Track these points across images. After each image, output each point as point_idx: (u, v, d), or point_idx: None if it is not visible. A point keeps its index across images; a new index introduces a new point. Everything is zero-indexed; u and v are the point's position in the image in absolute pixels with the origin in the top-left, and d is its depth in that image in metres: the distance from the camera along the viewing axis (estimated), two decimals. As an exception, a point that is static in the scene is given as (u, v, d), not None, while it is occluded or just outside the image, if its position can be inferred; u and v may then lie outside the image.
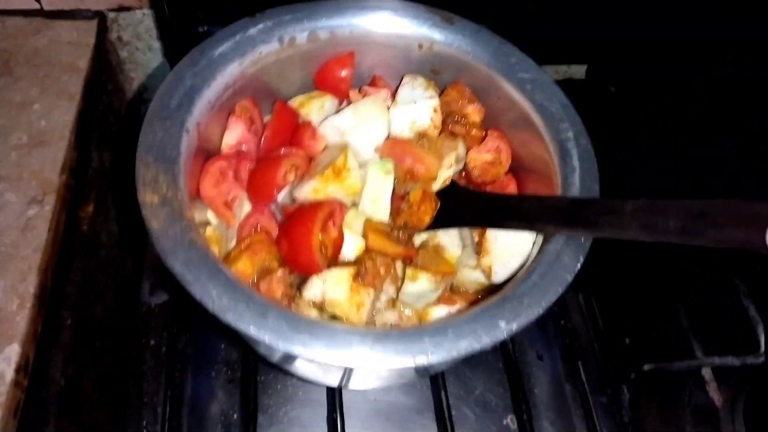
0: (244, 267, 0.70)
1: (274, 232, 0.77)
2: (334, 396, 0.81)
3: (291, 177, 0.79)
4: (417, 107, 0.84)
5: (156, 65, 1.19)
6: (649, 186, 0.98)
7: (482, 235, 0.77)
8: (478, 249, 0.77)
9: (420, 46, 0.84)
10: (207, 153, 0.76)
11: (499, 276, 0.75)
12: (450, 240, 0.79)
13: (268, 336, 0.57)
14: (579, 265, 0.66)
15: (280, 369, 0.88)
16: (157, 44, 1.15)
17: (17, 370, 0.72)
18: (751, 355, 0.87)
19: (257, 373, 0.86)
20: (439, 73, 0.87)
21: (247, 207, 0.78)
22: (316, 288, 0.70)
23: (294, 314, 0.60)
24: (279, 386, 0.88)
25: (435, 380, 0.85)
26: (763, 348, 0.87)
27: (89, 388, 0.91)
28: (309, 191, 0.77)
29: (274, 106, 0.85)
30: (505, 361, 0.90)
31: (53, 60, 1.00)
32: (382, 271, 0.72)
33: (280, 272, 0.71)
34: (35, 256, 0.80)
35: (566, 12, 1.03)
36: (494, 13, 0.85)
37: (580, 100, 0.82)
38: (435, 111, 0.84)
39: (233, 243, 0.76)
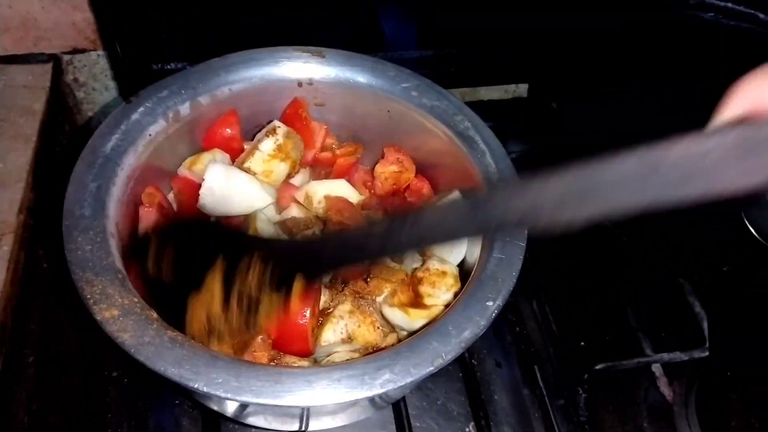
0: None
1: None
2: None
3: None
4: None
5: (114, 104, 1.22)
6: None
7: None
8: (420, 251, 0.82)
9: (300, 84, 0.88)
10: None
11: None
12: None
13: (291, 402, 0.58)
14: (525, 231, 0.71)
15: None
16: (113, 84, 1.17)
17: (-22, 409, 0.73)
18: (697, 349, 0.91)
19: (220, 400, 0.88)
20: (323, 104, 0.91)
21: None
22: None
23: (306, 372, 0.61)
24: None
25: (396, 404, 0.87)
26: (708, 342, 0.91)
27: (54, 423, 0.91)
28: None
29: (172, 183, 0.86)
30: (464, 370, 0.93)
31: (9, 104, 1.01)
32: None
33: (259, 341, 0.72)
34: (-5, 297, 0.81)
35: (506, 36, 1.08)
36: (444, 39, 0.90)
37: (525, 116, 0.86)
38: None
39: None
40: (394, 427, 0.87)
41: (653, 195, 0.42)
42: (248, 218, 0.82)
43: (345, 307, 0.77)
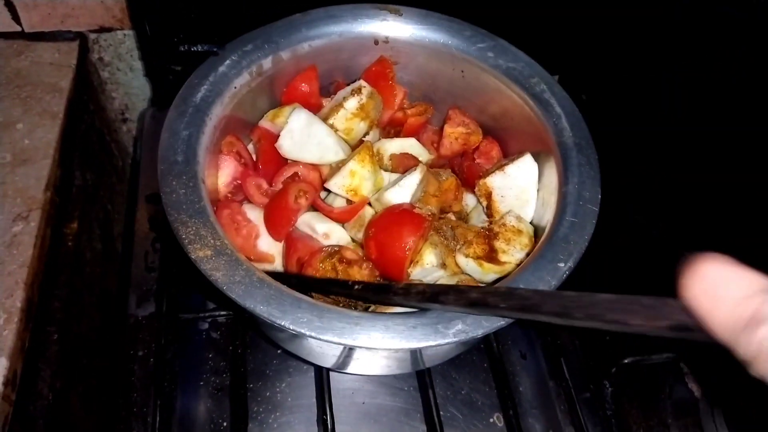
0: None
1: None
2: (324, 400, 0.82)
3: (302, 201, 0.81)
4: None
5: (137, 85, 1.21)
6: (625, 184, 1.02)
7: (489, 199, 0.83)
8: (488, 212, 0.84)
9: (376, 42, 0.89)
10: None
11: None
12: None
13: (369, 344, 0.60)
14: (599, 196, 0.72)
15: (269, 376, 0.89)
16: (137, 64, 1.17)
17: (5, 384, 0.72)
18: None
19: (246, 381, 0.87)
20: (397, 62, 0.91)
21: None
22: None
23: (384, 317, 0.63)
24: (268, 393, 0.89)
25: (423, 381, 0.86)
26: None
27: (77, 402, 0.91)
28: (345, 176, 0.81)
29: (252, 134, 0.87)
30: (490, 360, 0.92)
31: (36, 81, 1.01)
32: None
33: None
34: (21, 272, 0.81)
35: (537, 27, 1.07)
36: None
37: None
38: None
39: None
40: (420, 415, 0.87)
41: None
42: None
43: (435, 239, 0.79)
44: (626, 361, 0.88)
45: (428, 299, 0.62)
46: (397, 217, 0.77)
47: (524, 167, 0.82)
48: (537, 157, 0.82)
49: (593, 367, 0.92)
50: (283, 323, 0.59)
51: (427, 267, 0.76)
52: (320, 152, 0.83)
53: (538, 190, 0.82)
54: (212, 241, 0.64)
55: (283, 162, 0.85)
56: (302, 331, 0.59)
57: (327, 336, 0.59)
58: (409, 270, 0.76)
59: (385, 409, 0.89)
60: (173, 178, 0.68)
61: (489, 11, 0.95)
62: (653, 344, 0.92)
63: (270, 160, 0.84)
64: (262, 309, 0.60)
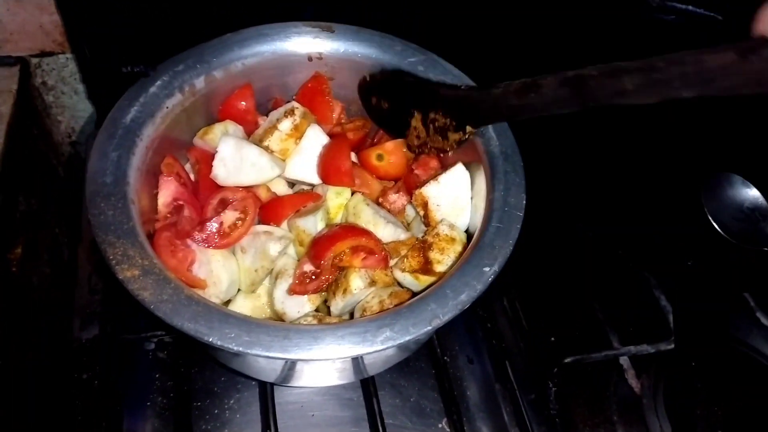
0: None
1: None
2: (269, 415, 0.83)
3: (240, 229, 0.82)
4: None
5: (83, 108, 1.21)
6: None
7: (426, 208, 0.85)
8: (426, 221, 0.85)
9: (310, 59, 0.90)
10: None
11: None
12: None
13: (297, 356, 0.61)
14: (524, 202, 0.75)
15: (217, 394, 0.89)
16: (82, 87, 1.17)
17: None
18: (663, 341, 0.93)
19: (192, 400, 0.87)
20: (333, 78, 0.93)
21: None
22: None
23: (314, 329, 0.64)
24: (216, 411, 0.88)
25: (367, 390, 0.87)
26: (673, 335, 0.93)
27: (27, 429, 0.90)
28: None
29: (189, 154, 0.87)
30: (436, 367, 0.93)
31: (-25, 107, 1.00)
32: None
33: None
34: (-40, 300, 0.80)
35: (469, 39, 1.10)
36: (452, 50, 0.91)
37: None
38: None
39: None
40: (368, 424, 0.87)
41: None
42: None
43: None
44: (567, 360, 0.90)
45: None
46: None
47: (457, 176, 0.84)
48: (469, 167, 0.84)
49: (537, 369, 0.94)
50: (210, 339, 0.60)
51: (356, 292, 0.77)
52: (256, 173, 0.84)
53: (471, 198, 0.84)
54: (140, 260, 0.65)
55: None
56: (230, 346, 0.60)
57: (255, 350, 0.60)
58: (337, 299, 0.78)
59: (335, 420, 0.90)
60: (101, 200, 0.69)
61: (421, 26, 0.98)
62: (594, 342, 0.94)
63: (209, 184, 0.85)
64: (189, 326, 0.61)
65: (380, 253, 0.79)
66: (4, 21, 1.02)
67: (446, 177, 0.84)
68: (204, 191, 0.85)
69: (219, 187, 0.85)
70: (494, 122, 0.81)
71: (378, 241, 0.80)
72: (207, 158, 0.85)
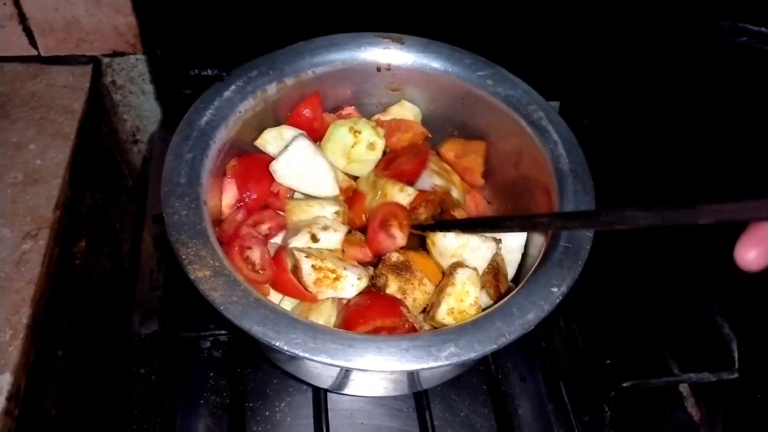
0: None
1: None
2: (321, 421, 0.83)
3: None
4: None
5: (148, 108, 1.24)
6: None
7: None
8: None
9: (378, 69, 0.91)
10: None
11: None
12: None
13: (361, 365, 0.61)
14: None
15: (268, 396, 0.90)
16: (149, 87, 1.20)
17: (8, 399, 0.74)
18: (726, 371, 0.90)
19: (245, 400, 0.88)
20: (398, 89, 0.93)
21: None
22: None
23: (378, 339, 0.63)
24: (267, 413, 0.89)
25: (420, 403, 0.87)
26: (737, 364, 0.90)
27: (80, 418, 0.92)
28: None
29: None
30: (488, 383, 0.92)
31: (49, 103, 1.04)
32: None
33: None
34: (29, 289, 0.83)
35: (539, 54, 1.09)
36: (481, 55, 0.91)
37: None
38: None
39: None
40: (418, 437, 0.87)
41: None
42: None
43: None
44: (625, 384, 0.88)
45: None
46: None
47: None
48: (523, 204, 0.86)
49: (592, 391, 0.92)
50: (277, 344, 0.60)
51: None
52: (315, 186, 0.85)
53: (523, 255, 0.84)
54: (211, 261, 0.66)
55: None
56: (296, 351, 0.60)
57: (320, 357, 0.60)
58: None
59: (383, 430, 0.90)
60: (176, 200, 0.70)
61: (490, 40, 0.97)
62: (653, 368, 0.91)
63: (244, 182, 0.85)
64: (257, 329, 0.61)
65: (403, 328, 0.75)
66: (82, 21, 1.05)
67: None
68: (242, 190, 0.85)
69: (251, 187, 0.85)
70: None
71: (403, 316, 0.76)
72: (250, 160, 0.86)
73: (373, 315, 0.72)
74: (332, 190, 0.86)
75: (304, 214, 0.83)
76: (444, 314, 0.76)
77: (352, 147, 0.88)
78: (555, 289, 0.67)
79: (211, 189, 0.77)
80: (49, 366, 0.87)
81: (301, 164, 0.83)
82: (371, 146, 0.89)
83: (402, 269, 0.78)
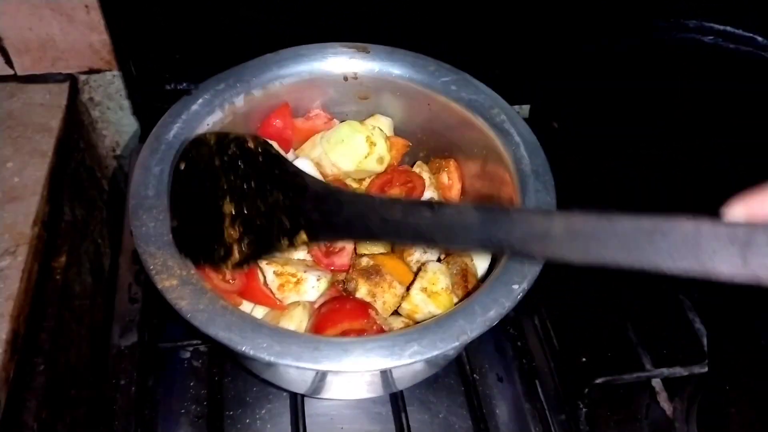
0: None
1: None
2: (299, 426, 0.84)
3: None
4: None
5: (127, 123, 1.25)
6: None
7: None
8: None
9: (345, 78, 0.92)
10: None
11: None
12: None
13: (326, 366, 0.62)
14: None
15: (248, 404, 0.91)
16: (127, 103, 1.21)
17: (-11, 414, 0.75)
18: (697, 364, 0.92)
19: (225, 409, 0.89)
20: (367, 98, 0.95)
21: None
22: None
23: (343, 341, 0.65)
24: (248, 420, 0.90)
25: (396, 405, 0.88)
26: (708, 358, 0.92)
27: (62, 431, 0.93)
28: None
29: None
30: (465, 384, 0.93)
31: (26, 121, 1.05)
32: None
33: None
34: (8, 304, 0.84)
35: (508, 57, 1.11)
36: (446, 60, 0.93)
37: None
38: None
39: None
40: (396, 439, 0.88)
41: (648, 261, 0.44)
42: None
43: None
44: (598, 381, 0.89)
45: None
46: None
47: None
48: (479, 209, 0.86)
49: (568, 389, 0.93)
50: (243, 348, 0.62)
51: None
52: None
53: None
54: (179, 271, 0.67)
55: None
56: (261, 355, 0.61)
57: (286, 360, 0.62)
58: None
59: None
60: (143, 212, 0.71)
61: (459, 46, 0.99)
62: (626, 364, 0.93)
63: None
64: (223, 335, 0.63)
65: (371, 330, 0.76)
66: (57, 40, 1.07)
67: None
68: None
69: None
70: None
71: (371, 318, 0.77)
72: None
73: (340, 318, 0.74)
74: None
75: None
76: (417, 291, 0.78)
77: (365, 157, 0.91)
78: (516, 287, 0.68)
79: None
80: (30, 380, 0.88)
81: None
82: (380, 161, 0.92)
83: (372, 273, 0.80)
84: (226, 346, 0.62)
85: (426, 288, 0.79)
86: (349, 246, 0.84)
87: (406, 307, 0.80)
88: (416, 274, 0.82)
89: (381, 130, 0.92)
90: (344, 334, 0.73)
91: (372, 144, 0.90)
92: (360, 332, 0.73)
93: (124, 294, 0.98)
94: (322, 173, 0.90)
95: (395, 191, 0.92)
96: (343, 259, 0.83)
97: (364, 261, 0.82)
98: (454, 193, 0.95)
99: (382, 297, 0.80)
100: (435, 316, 0.76)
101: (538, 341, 0.99)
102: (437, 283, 0.79)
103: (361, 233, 0.65)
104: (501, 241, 0.52)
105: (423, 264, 0.82)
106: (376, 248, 0.86)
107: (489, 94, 0.88)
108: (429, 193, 0.93)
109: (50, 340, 0.95)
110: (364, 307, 0.76)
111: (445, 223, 0.55)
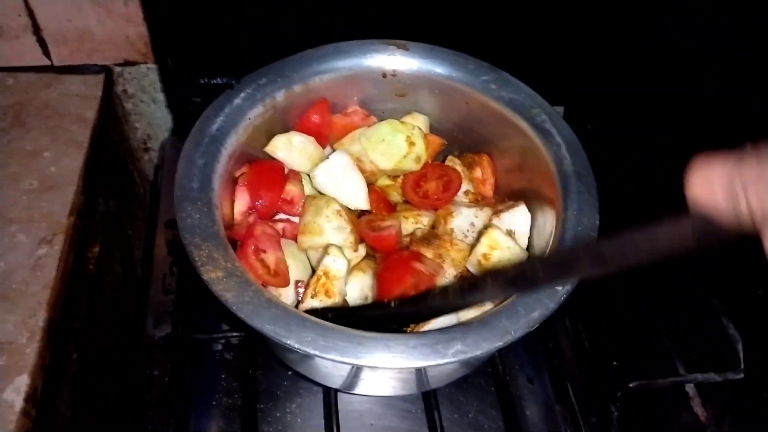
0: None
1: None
2: (332, 421, 0.84)
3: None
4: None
5: (159, 116, 1.26)
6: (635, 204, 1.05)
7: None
8: None
9: (384, 75, 0.92)
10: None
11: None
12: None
13: (370, 362, 0.63)
14: (597, 222, 0.75)
15: (279, 397, 0.91)
16: (160, 96, 1.22)
17: (26, 400, 0.76)
18: (731, 371, 0.91)
19: (257, 402, 0.89)
20: (404, 95, 0.95)
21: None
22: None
23: (387, 337, 0.65)
24: (278, 414, 0.90)
25: (428, 403, 0.88)
26: (743, 364, 0.91)
27: (95, 419, 0.94)
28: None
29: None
30: (496, 384, 0.93)
31: (63, 111, 1.06)
32: None
33: None
34: (44, 293, 0.85)
35: (543, 59, 1.11)
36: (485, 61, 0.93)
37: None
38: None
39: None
40: (427, 438, 0.88)
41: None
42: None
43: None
44: (632, 385, 0.89)
45: (468, 291, 0.66)
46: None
47: (519, 216, 0.86)
48: (530, 205, 0.87)
49: (599, 392, 0.93)
50: (288, 342, 0.62)
51: None
52: (347, 197, 0.88)
53: (529, 238, 0.86)
54: (224, 263, 0.67)
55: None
56: (306, 349, 0.62)
57: (330, 355, 0.62)
58: None
59: (392, 431, 0.91)
60: (189, 204, 0.72)
61: (495, 46, 0.99)
62: (659, 368, 0.92)
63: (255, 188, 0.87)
64: (269, 328, 0.63)
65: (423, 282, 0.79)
66: (94, 31, 1.08)
67: (508, 215, 0.86)
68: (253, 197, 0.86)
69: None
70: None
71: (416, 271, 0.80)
72: (260, 167, 0.87)
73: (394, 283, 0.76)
74: (364, 204, 0.89)
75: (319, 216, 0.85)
76: (495, 229, 0.82)
77: (404, 157, 0.91)
78: (560, 288, 0.68)
79: (222, 195, 0.78)
80: (63, 368, 0.89)
81: (338, 174, 0.87)
82: (418, 160, 0.92)
83: (430, 238, 0.81)
84: (270, 339, 0.63)
85: (501, 228, 0.81)
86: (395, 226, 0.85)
87: (484, 242, 0.81)
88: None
89: (420, 129, 0.92)
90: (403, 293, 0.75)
91: (411, 144, 0.90)
92: (416, 287, 0.75)
93: (158, 285, 0.99)
94: (361, 168, 0.91)
95: (431, 185, 0.92)
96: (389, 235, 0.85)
97: (419, 233, 0.85)
98: (488, 187, 0.95)
99: (449, 255, 0.82)
100: (509, 262, 0.79)
101: (569, 343, 0.99)
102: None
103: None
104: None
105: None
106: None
107: (529, 93, 0.87)
108: (465, 186, 0.93)
109: (83, 329, 0.95)
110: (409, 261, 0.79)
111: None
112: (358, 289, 0.83)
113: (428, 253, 0.82)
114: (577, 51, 1.13)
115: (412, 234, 0.88)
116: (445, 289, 0.70)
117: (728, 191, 0.43)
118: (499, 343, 0.64)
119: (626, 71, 1.14)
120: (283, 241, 0.84)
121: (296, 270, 0.82)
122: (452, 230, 0.87)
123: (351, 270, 0.82)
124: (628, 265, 0.52)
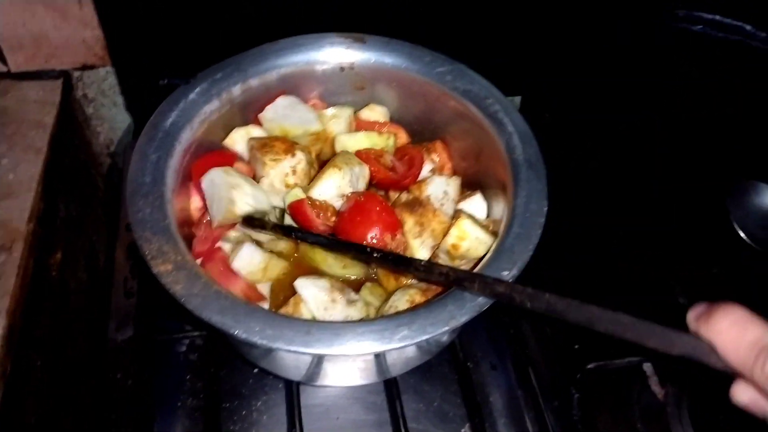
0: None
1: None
2: (294, 415, 0.85)
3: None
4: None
5: (121, 119, 1.26)
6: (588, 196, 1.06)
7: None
8: None
9: (342, 69, 0.93)
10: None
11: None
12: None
13: (318, 350, 0.63)
14: (545, 209, 0.76)
15: (244, 395, 0.92)
16: (120, 99, 1.22)
17: (-13, 409, 0.76)
18: (688, 349, 0.92)
19: (221, 401, 0.90)
20: (363, 88, 0.96)
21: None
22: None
23: (335, 326, 0.66)
24: (244, 412, 0.91)
25: (390, 393, 0.89)
26: (699, 342, 0.93)
27: (61, 426, 0.94)
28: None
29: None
30: (459, 372, 0.94)
31: (20, 118, 1.06)
32: None
33: None
34: (3, 300, 0.84)
35: (500, 48, 1.12)
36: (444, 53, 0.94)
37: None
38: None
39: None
40: (391, 428, 0.89)
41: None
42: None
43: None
44: (590, 366, 0.90)
45: (452, 282, 0.68)
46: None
47: (475, 204, 0.88)
48: (486, 193, 0.89)
49: (560, 375, 0.94)
50: (235, 332, 0.63)
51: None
52: (301, 122, 0.90)
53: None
54: (174, 256, 0.68)
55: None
56: (254, 339, 0.62)
57: (277, 344, 0.63)
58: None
59: (359, 423, 0.91)
60: (140, 198, 0.73)
61: (454, 39, 1.00)
62: (616, 349, 0.94)
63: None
64: (217, 319, 0.64)
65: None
66: (50, 36, 1.07)
67: (464, 204, 0.88)
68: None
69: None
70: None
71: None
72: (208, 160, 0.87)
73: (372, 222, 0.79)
74: (316, 128, 0.91)
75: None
76: (465, 217, 0.83)
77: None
78: (506, 273, 0.69)
79: (179, 190, 0.79)
80: (27, 377, 0.89)
81: (285, 108, 0.90)
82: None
83: (415, 205, 0.82)
84: (219, 330, 0.63)
85: (471, 216, 0.82)
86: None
87: (453, 233, 0.81)
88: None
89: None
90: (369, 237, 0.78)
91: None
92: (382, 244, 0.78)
93: (119, 288, 0.99)
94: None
95: (397, 165, 0.93)
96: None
97: (404, 197, 0.86)
98: (447, 171, 0.96)
99: (430, 226, 0.83)
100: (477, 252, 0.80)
101: (530, 329, 1.01)
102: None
103: None
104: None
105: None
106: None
107: (484, 84, 0.89)
108: (428, 165, 0.94)
109: (48, 336, 0.95)
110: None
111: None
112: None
113: (410, 219, 0.83)
114: (534, 42, 1.15)
115: (396, 198, 0.90)
116: (430, 268, 0.71)
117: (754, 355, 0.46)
118: (445, 328, 0.65)
119: (583, 62, 1.16)
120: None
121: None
122: (429, 197, 0.87)
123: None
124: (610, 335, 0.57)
